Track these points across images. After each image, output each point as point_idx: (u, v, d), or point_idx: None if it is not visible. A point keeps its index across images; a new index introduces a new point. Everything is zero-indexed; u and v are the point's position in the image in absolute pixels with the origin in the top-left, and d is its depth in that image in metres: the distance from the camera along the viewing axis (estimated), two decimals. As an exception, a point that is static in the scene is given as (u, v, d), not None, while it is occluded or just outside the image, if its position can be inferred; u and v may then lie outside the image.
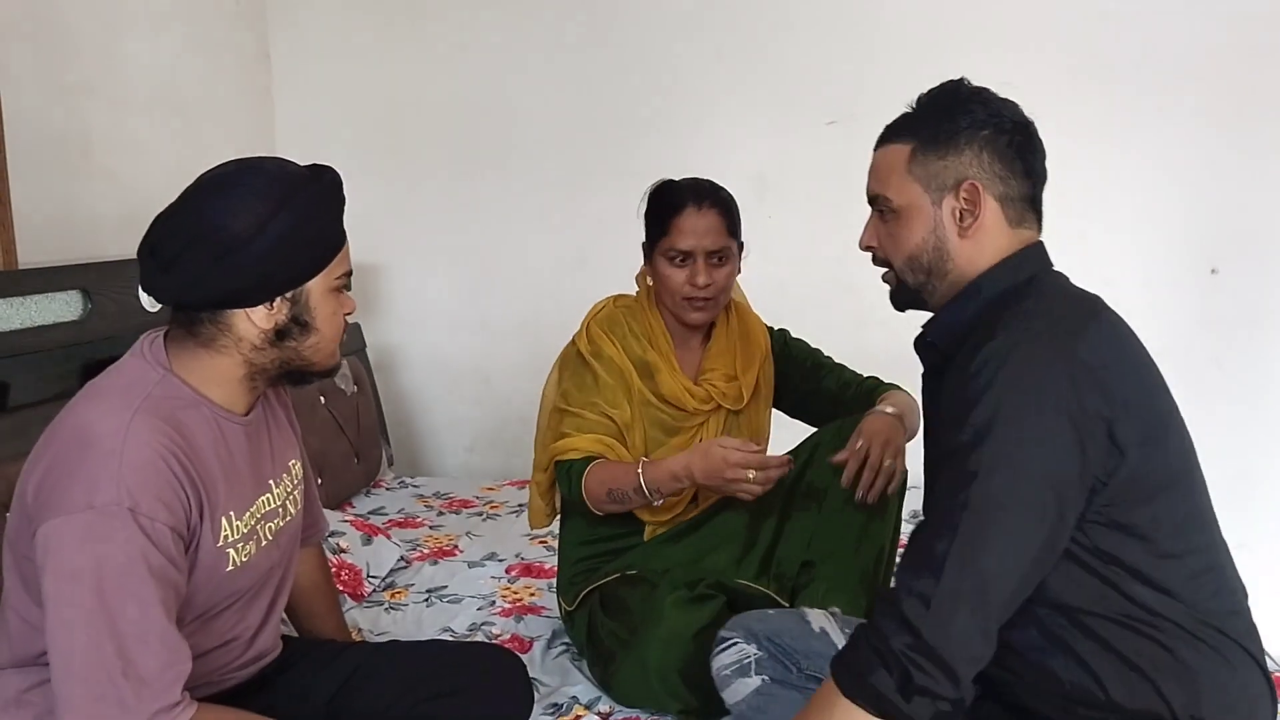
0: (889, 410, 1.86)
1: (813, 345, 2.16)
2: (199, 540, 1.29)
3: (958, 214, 1.30)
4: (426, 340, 3.58)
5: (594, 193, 3.29)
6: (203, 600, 1.34)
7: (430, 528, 2.79)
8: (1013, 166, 1.30)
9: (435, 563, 2.52)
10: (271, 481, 1.45)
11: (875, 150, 1.39)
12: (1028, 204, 1.32)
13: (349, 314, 1.41)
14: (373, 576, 2.36)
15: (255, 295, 1.29)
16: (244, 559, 1.37)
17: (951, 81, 1.37)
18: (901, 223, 1.34)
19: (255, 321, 1.31)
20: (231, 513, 1.34)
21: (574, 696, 1.86)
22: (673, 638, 1.75)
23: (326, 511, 2.52)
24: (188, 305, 1.31)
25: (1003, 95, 1.37)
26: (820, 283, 3.27)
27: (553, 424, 2.01)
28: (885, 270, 1.40)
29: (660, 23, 3.26)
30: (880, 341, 3.21)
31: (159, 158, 2.78)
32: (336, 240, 1.36)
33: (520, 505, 2.97)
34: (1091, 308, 1.27)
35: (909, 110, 1.37)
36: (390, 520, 2.81)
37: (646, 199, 1.99)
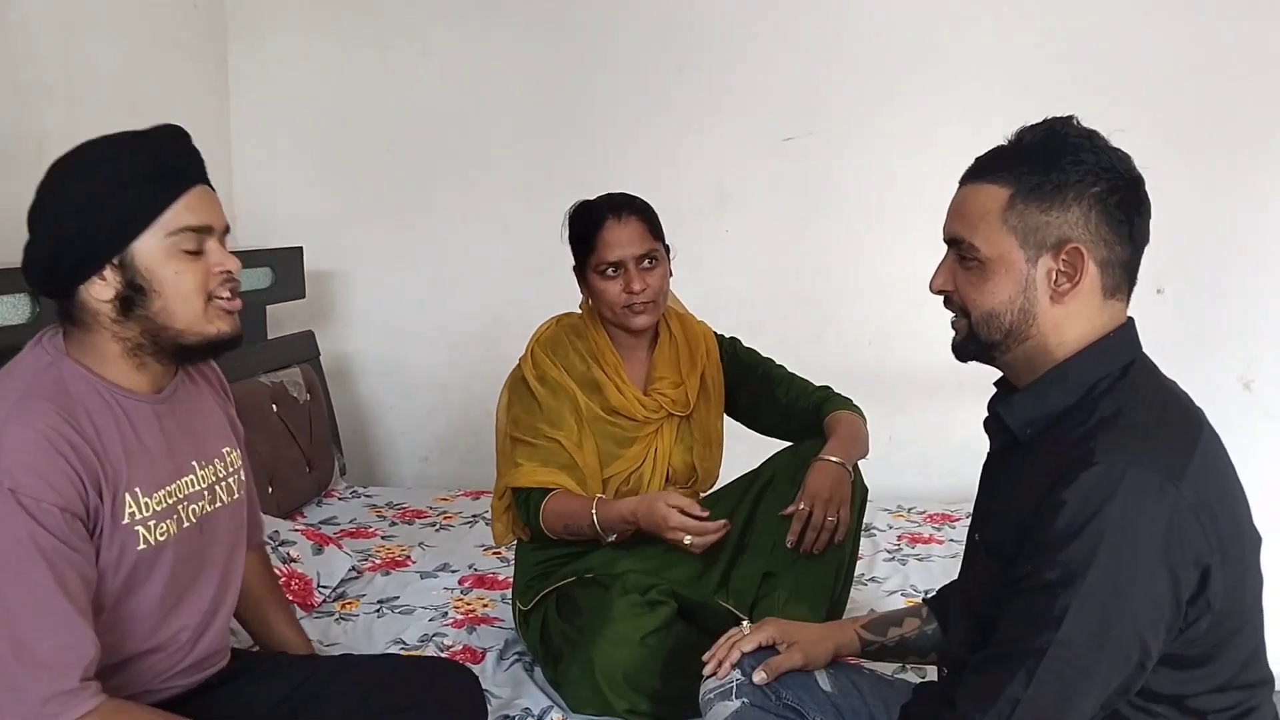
0: (834, 460, 1.89)
1: (765, 355, 2.17)
2: (101, 520, 1.27)
3: (1054, 276, 1.18)
4: (383, 348, 3.55)
5: (553, 201, 3.22)
6: (120, 583, 1.31)
7: (382, 538, 2.76)
8: (1119, 230, 1.18)
9: (387, 573, 2.49)
10: (195, 463, 1.42)
11: (962, 185, 1.25)
12: (1126, 271, 1.21)
13: (224, 271, 1.33)
14: (323, 586, 2.33)
15: (76, 268, 1.27)
16: (159, 537, 1.34)
17: (1060, 120, 1.22)
18: (987, 275, 1.21)
19: (94, 294, 1.28)
20: (138, 489, 1.31)
21: (526, 708, 1.84)
22: (620, 640, 1.78)
23: (277, 520, 2.53)
24: (40, 287, 1.33)
25: (1114, 144, 1.22)
26: (777, 295, 3.29)
27: (506, 451, 2.05)
28: (955, 317, 1.28)
29: (622, 34, 3.27)
30: (835, 354, 3.27)
31: (112, 159, 2.74)
32: (159, 194, 1.28)
33: (474, 516, 2.96)
34: (1193, 425, 1.17)
35: (1007, 145, 1.23)
36: (342, 530, 2.78)
37: (567, 223, 2.03)
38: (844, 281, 3.30)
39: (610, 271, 1.96)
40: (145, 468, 1.33)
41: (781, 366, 2.15)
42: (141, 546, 1.32)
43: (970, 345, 1.27)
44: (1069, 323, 1.20)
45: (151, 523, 1.33)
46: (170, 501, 1.36)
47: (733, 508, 2.00)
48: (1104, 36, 3.04)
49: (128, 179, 1.27)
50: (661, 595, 1.88)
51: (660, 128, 3.27)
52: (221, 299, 1.34)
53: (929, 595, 1.57)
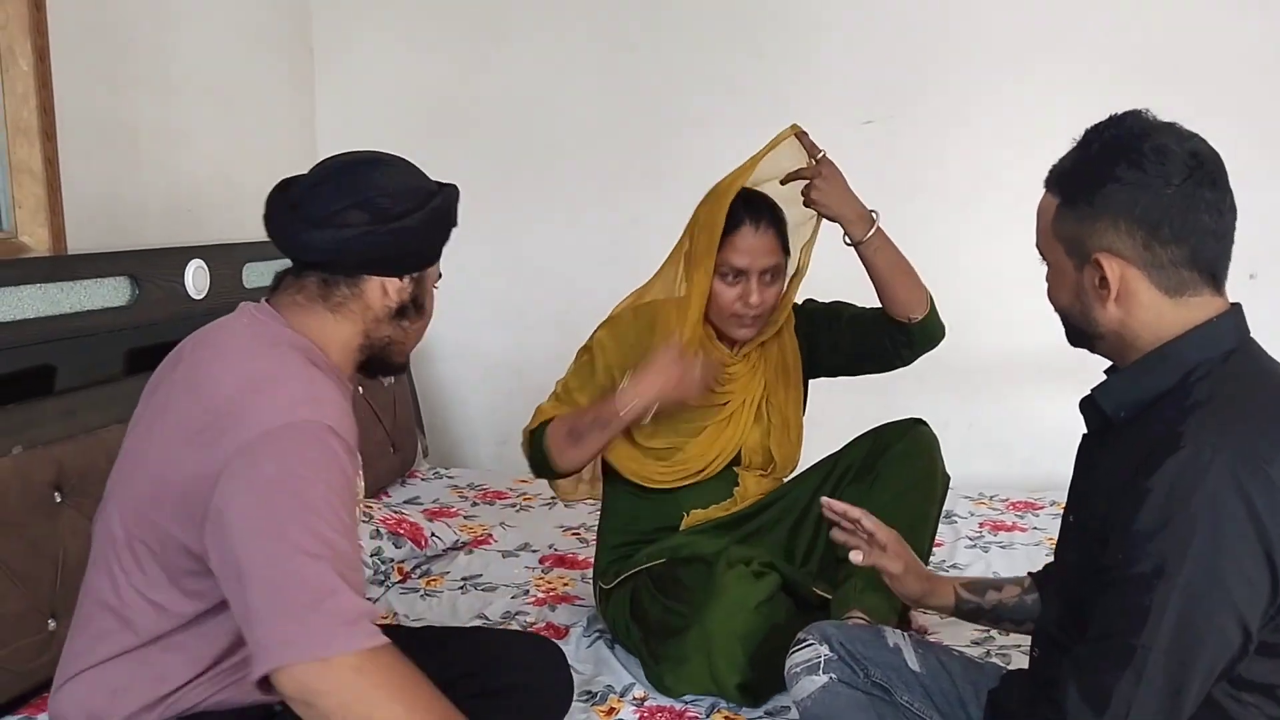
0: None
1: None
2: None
3: (1096, 282, 1.20)
4: (462, 333, 3.61)
5: (628, 191, 3.31)
6: None
7: (465, 517, 2.82)
8: (1157, 233, 1.15)
9: (470, 551, 2.55)
10: None
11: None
12: (1187, 268, 1.17)
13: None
14: (436, 537, 2.49)
15: (398, 266, 1.34)
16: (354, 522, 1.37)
17: (1127, 117, 1.21)
18: (1054, 279, 1.27)
19: (389, 291, 1.34)
20: (361, 471, 1.35)
21: (609, 685, 1.88)
22: (735, 607, 1.78)
23: (364, 501, 2.60)
24: (333, 265, 1.32)
25: (1189, 130, 1.20)
26: (854, 282, 3.23)
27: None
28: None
29: (698, 21, 3.27)
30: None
31: (203, 149, 2.82)
32: (447, 236, 1.43)
33: (553, 498, 2.97)
34: None
35: (1069, 151, 1.24)
36: (426, 510, 2.84)
37: (703, 211, 1.95)
38: (922, 268, 3.21)
39: (731, 277, 1.91)
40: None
41: (848, 304, 2.11)
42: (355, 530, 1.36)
43: (1069, 335, 1.30)
44: (1134, 321, 1.20)
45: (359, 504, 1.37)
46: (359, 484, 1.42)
47: (814, 488, 2.00)
48: (1184, 23, 2.97)
49: (453, 217, 1.41)
50: (763, 566, 1.88)
51: (737, 114, 3.26)
52: None
53: (1033, 571, 1.56)
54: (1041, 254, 1.27)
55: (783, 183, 1.96)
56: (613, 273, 3.25)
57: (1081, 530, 1.27)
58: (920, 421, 2.04)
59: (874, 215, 1.93)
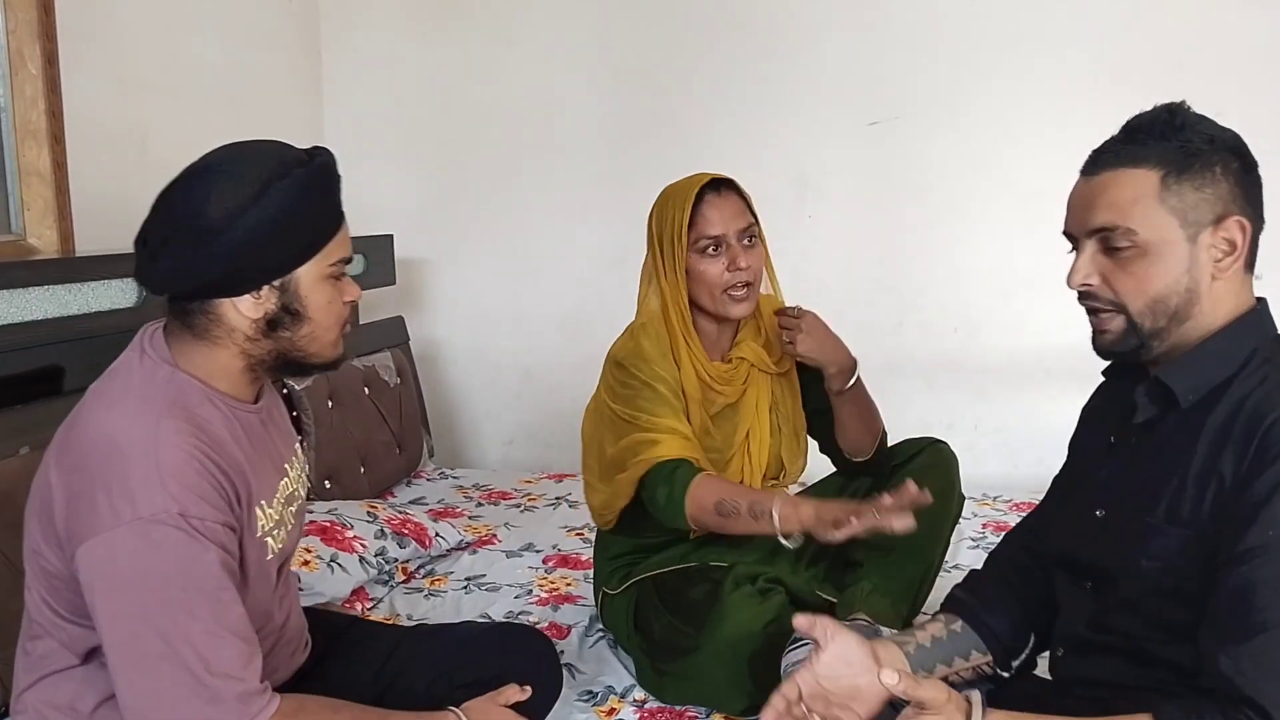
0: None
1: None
2: (242, 533, 1.28)
3: (1215, 252, 1.18)
4: (469, 334, 3.63)
5: (635, 190, 3.29)
6: (256, 593, 1.32)
7: (470, 518, 2.83)
8: (1258, 204, 1.19)
9: (474, 551, 2.56)
10: (286, 465, 1.44)
11: (1095, 176, 1.23)
12: (1255, 246, 1.21)
13: (351, 301, 1.36)
14: (440, 537, 2.51)
15: (238, 284, 1.25)
16: (279, 545, 1.37)
17: (1176, 105, 1.22)
18: (1150, 260, 1.19)
19: (243, 311, 1.27)
20: (263, 501, 1.32)
21: (610, 686, 1.89)
22: (742, 633, 1.75)
23: (369, 501, 2.62)
24: (176, 295, 1.28)
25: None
26: (860, 282, 3.28)
27: (611, 432, 1.93)
28: (1106, 313, 1.24)
29: (705, 21, 3.28)
30: (918, 342, 3.25)
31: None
32: (327, 226, 1.30)
33: (557, 498, 3.02)
34: None
35: (1135, 130, 1.22)
36: (430, 510, 2.85)
37: (658, 209, 1.91)
38: (928, 269, 3.27)
39: (711, 250, 1.85)
40: (264, 478, 1.34)
41: None
42: (269, 556, 1.35)
43: (1130, 339, 1.23)
44: (1223, 298, 1.21)
45: (275, 531, 1.35)
46: (280, 507, 1.38)
47: (823, 498, 1.99)
48: (1188, 22, 2.96)
49: (312, 207, 1.28)
50: (770, 584, 1.86)
51: (743, 114, 3.28)
52: (346, 326, 1.39)
53: (947, 600, 1.53)
54: (1128, 236, 1.19)
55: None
56: (620, 273, 3.27)
57: (1139, 526, 1.24)
58: (941, 441, 2.04)
59: (855, 364, 1.92)
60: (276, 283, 1.27)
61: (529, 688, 1.49)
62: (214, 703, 1.17)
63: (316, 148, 1.31)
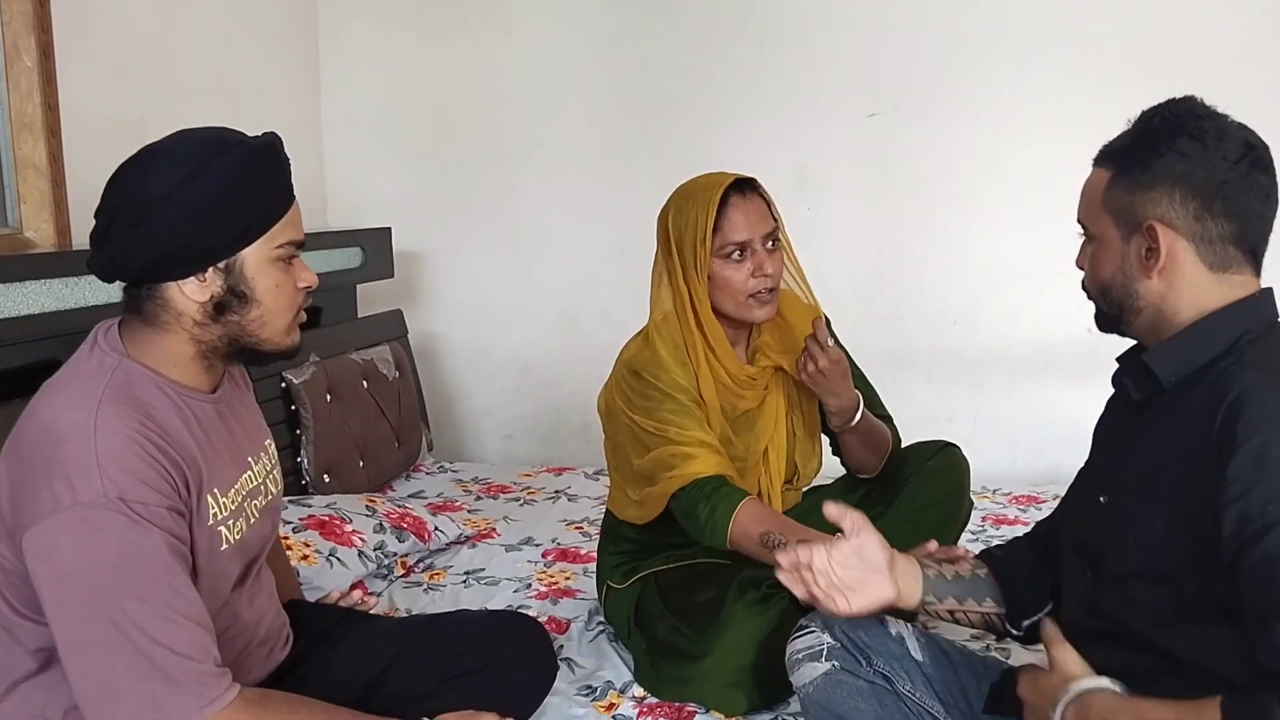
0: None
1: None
2: (192, 520, 1.27)
3: (1143, 252, 1.23)
4: (467, 328, 3.63)
5: (634, 184, 3.31)
6: (209, 583, 1.30)
7: (469, 511, 2.82)
8: (1211, 206, 1.20)
9: (473, 545, 2.56)
10: (250, 459, 1.42)
11: (1092, 168, 1.32)
12: (1234, 245, 1.22)
13: (307, 287, 1.35)
14: (440, 531, 2.50)
15: (180, 265, 1.25)
16: (236, 537, 1.35)
17: (1176, 101, 1.26)
18: (1096, 252, 1.29)
19: (189, 294, 1.26)
20: (216, 490, 1.31)
21: (609, 681, 1.88)
22: (745, 642, 1.74)
23: (367, 495, 2.61)
24: (122, 280, 1.28)
25: (1237, 119, 1.24)
26: (859, 274, 3.27)
27: (635, 444, 1.89)
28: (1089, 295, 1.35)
29: (703, 13, 3.27)
30: (917, 333, 3.25)
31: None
32: (272, 208, 1.29)
33: (557, 491, 3.01)
34: None
35: (1125, 130, 1.29)
36: (429, 504, 2.85)
37: (673, 209, 1.86)
38: (927, 261, 3.26)
39: (736, 255, 1.80)
40: (218, 467, 1.32)
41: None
42: (224, 546, 1.32)
43: (1099, 318, 1.33)
44: (1175, 295, 1.23)
45: (230, 522, 1.33)
46: (239, 499, 1.36)
47: (837, 497, 1.98)
48: (1190, 16, 2.96)
49: (253, 185, 1.27)
50: (772, 587, 1.79)
51: (742, 106, 3.27)
52: (301, 312, 1.37)
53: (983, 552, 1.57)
54: (1084, 228, 1.31)
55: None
56: (619, 267, 3.28)
57: (1126, 507, 1.26)
58: (953, 444, 2.04)
59: (857, 406, 1.92)
60: (221, 264, 1.27)
61: None
62: (169, 685, 1.16)
63: (266, 133, 1.32)
